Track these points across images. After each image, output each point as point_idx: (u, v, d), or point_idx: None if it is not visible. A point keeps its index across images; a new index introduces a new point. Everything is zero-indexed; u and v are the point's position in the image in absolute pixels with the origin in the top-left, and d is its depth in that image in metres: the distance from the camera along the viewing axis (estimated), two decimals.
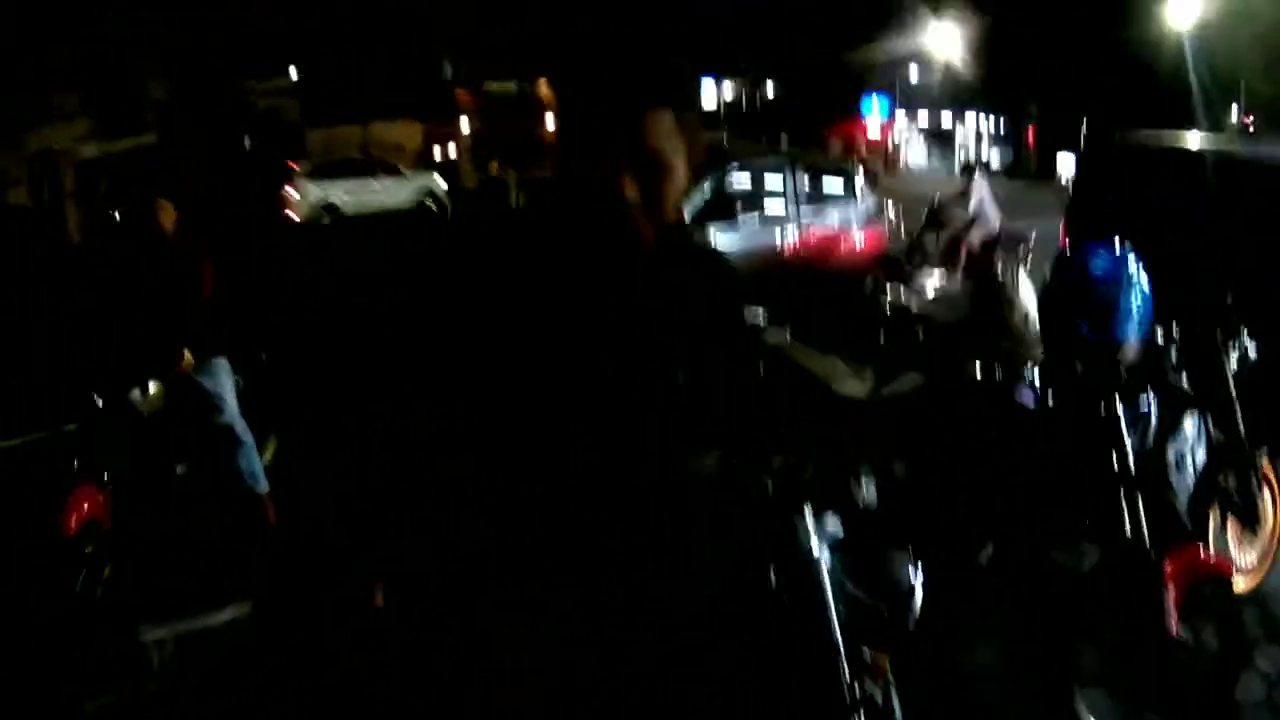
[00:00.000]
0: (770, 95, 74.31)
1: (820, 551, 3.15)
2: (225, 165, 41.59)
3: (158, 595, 7.07)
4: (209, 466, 8.02)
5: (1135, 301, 5.32)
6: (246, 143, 52.00)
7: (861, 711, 3.13)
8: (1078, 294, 5.40)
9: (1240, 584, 5.48)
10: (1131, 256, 5.46)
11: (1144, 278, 5.41)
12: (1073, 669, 4.96)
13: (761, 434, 3.23)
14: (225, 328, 8.03)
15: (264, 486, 7.97)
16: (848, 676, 3.12)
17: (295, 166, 41.90)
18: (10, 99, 41.08)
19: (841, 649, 3.13)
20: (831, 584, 3.15)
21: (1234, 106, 47.10)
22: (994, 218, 11.82)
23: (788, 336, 6.75)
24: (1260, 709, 5.47)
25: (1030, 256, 9.46)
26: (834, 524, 3.21)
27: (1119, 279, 5.36)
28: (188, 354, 7.52)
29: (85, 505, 7.11)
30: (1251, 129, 44.41)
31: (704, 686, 3.09)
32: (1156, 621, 4.72)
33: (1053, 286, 5.67)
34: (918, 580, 3.26)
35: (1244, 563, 6.19)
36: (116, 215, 37.47)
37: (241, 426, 7.87)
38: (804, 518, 3.15)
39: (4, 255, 35.21)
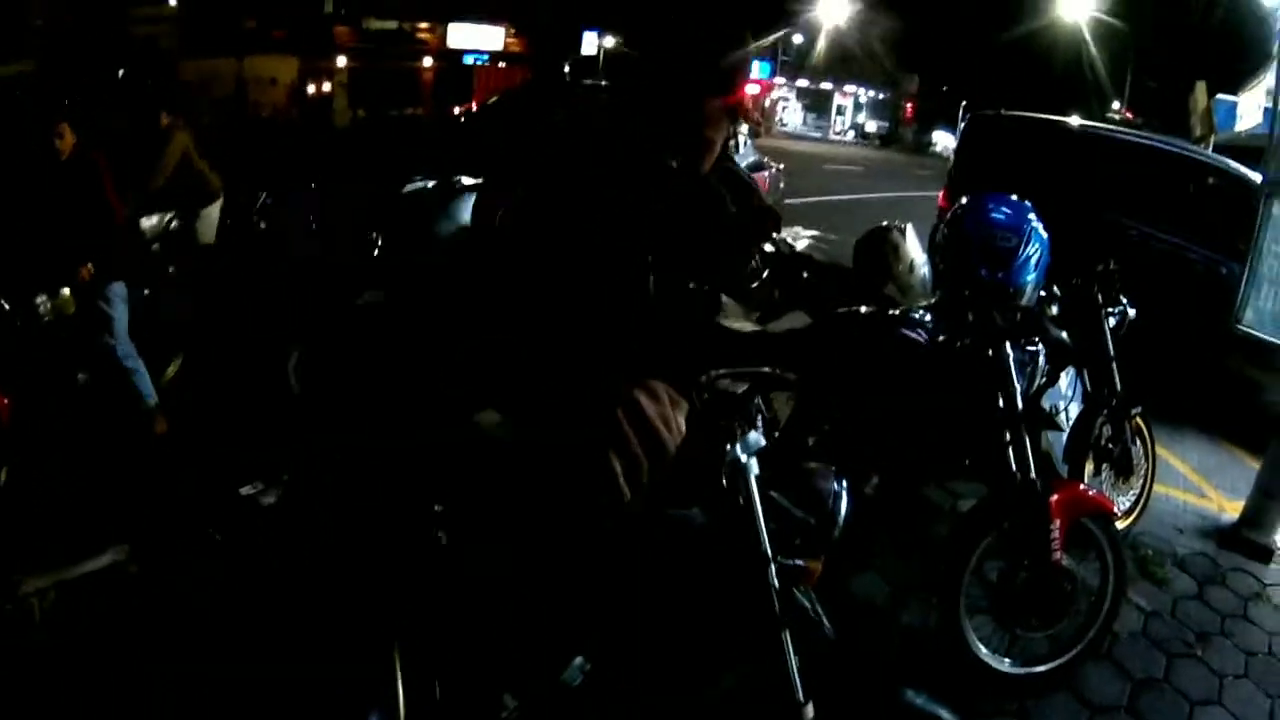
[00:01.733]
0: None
1: (749, 463, 3.23)
2: (99, 91, 40.55)
3: (51, 509, 7.10)
4: (106, 377, 8.21)
5: (1033, 250, 5.44)
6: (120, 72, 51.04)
7: (791, 619, 3.25)
8: (978, 238, 5.49)
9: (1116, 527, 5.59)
10: (1031, 209, 5.60)
11: (1042, 229, 5.53)
12: (959, 598, 5.03)
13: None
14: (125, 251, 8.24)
15: (151, 399, 8.23)
16: (777, 585, 3.22)
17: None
18: None
19: (771, 559, 3.23)
20: (760, 496, 3.23)
21: (1116, 100, 48.32)
22: None
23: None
24: (1137, 639, 5.77)
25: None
26: (757, 438, 3.26)
27: (1020, 227, 5.47)
28: (90, 267, 7.68)
29: None
30: (1131, 119, 45.73)
31: (641, 599, 3.36)
32: (1041, 553, 4.88)
33: (951, 230, 5.69)
34: (843, 494, 3.40)
35: (1117, 508, 6.39)
36: None
37: (126, 348, 8.11)
38: (735, 431, 3.25)
39: None
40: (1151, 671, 5.54)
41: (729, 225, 3.61)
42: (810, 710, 3.28)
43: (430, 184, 10.44)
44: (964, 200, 5.73)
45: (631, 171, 3.22)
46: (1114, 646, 5.60)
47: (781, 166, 15.30)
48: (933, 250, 6.05)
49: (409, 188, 10.44)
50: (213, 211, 10.65)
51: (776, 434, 3.37)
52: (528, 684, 3.56)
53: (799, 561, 3.29)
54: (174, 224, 10.42)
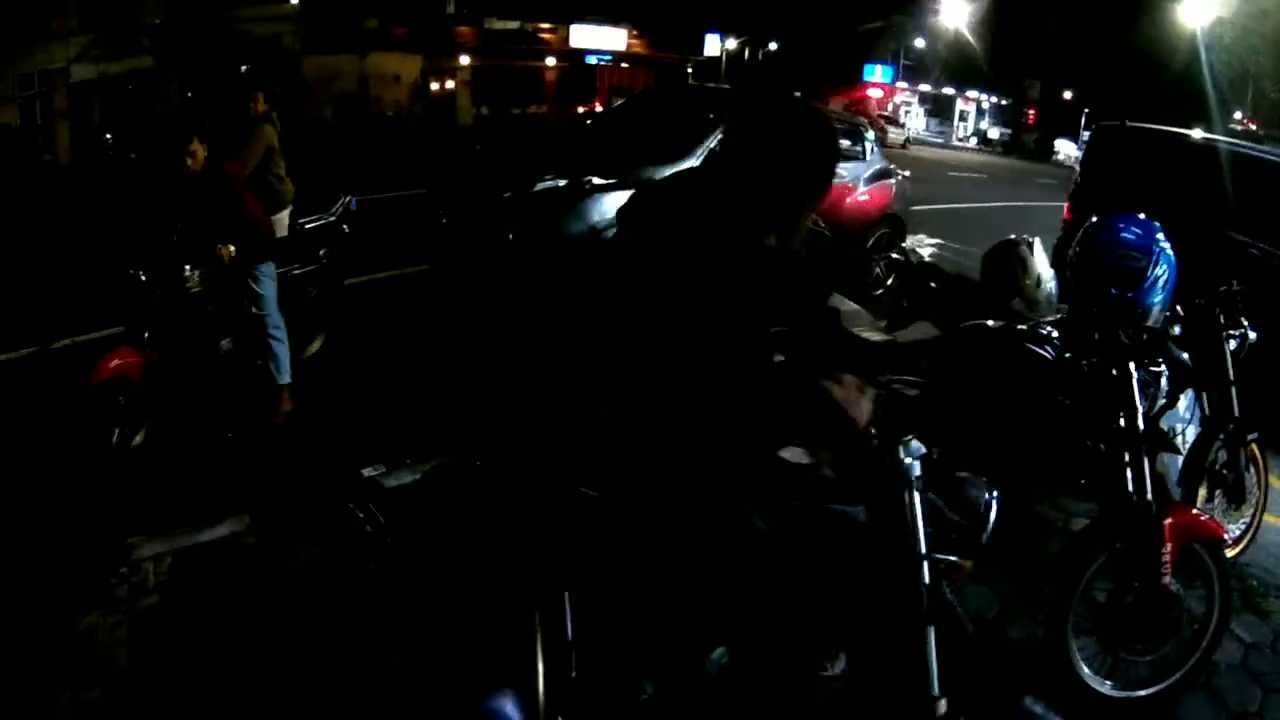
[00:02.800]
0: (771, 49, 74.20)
1: (911, 464, 3.47)
2: (217, 90, 41.31)
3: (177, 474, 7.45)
4: (247, 348, 8.58)
5: (1162, 271, 5.44)
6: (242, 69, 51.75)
7: (937, 614, 3.47)
8: (1108, 258, 5.48)
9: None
10: (1160, 229, 5.58)
11: (1171, 250, 5.52)
12: (1068, 617, 4.99)
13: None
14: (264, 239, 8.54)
15: (286, 378, 8.61)
16: (927, 581, 3.45)
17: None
18: (5, 20, 41.10)
19: (925, 556, 3.47)
20: (919, 498, 3.49)
21: (1238, 109, 47.38)
22: None
23: None
24: (1236, 671, 5.62)
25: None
26: (919, 446, 3.52)
27: (1149, 248, 5.48)
28: (230, 248, 8.01)
29: (117, 361, 7.59)
30: (1256, 129, 44.49)
31: (790, 591, 3.61)
32: (1151, 576, 4.83)
33: (1082, 249, 5.67)
34: (994, 503, 3.62)
35: (1227, 536, 6.17)
36: (109, 137, 37.58)
37: (276, 319, 8.55)
38: (901, 435, 3.50)
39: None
40: (1247, 705, 5.42)
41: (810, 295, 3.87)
42: (944, 705, 3.46)
43: (561, 183, 10.54)
44: (1094, 219, 5.72)
45: (737, 246, 3.37)
46: (1213, 677, 5.50)
47: (907, 174, 15.25)
48: (1061, 266, 6.03)
49: (540, 186, 10.55)
50: (283, 218, 10.90)
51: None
52: (667, 670, 3.74)
53: (953, 558, 3.49)
54: None
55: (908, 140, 63.16)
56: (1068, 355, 5.29)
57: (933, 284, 6.81)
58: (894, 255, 12.69)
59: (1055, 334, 5.41)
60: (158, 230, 8.19)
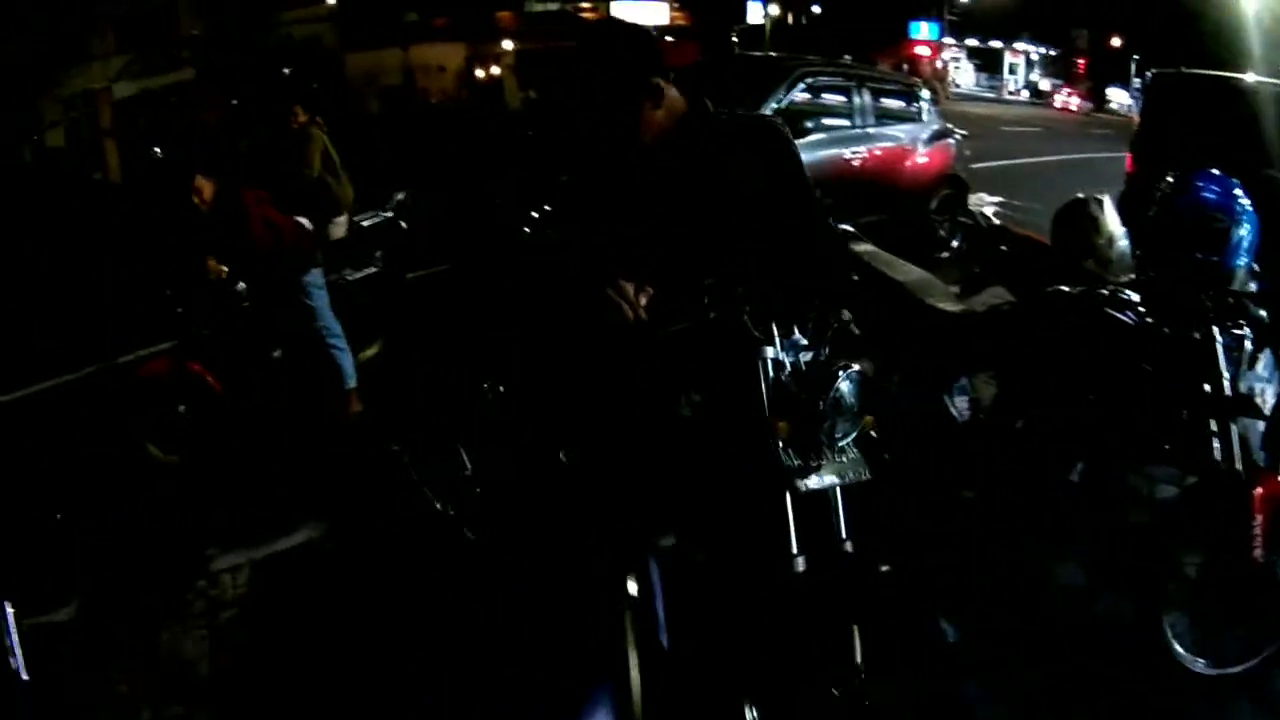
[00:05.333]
0: (815, 13, 73.93)
1: (770, 355, 3.94)
2: (263, 97, 41.68)
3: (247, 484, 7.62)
4: (301, 355, 8.84)
5: (1245, 232, 5.27)
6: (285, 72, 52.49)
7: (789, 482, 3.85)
8: (1190, 220, 5.32)
9: None
10: (1239, 185, 5.41)
11: (1251, 209, 5.35)
12: (1158, 592, 4.94)
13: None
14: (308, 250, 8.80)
15: (351, 382, 8.89)
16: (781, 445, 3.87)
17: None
18: (46, 42, 42.01)
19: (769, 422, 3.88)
20: (772, 374, 3.94)
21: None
22: None
23: (872, 246, 6.73)
24: None
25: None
26: (791, 348, 4.00)
27: (1230, 208, 5.30)
28: (223, 268, 8.38)
29: (175, 363, 8.13)
30: None
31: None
32: (1242, 548, 4.73)
33: (1161, 211, 5.51)
34: (847, 381, 3.88)
35: None
36: (158, 150, 38.24)
37: (333, 326, 8.80)
38: (768, 332, 3.96)
39: (45, 194, 35.85)
40: None
41: None
42: (801, 562, 3.80)
43: None
44: (1171, 179, 5.61)
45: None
46: None
47: (964, 134, 15.23)
48: (1130, 221, 5.96)
49: None
50: (342, 221, 10.95)
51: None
52: (770, 696, 3.77)
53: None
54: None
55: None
56: (1149, 321, 5.21)
57: (1003, 247, 6.83)
58: (962, 218, 12.67)
59: (1136, 298, 5.31)
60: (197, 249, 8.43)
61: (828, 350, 4.04)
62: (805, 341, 4.04)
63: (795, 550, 3.79)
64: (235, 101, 50.46)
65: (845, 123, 12.55)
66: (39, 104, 48.81)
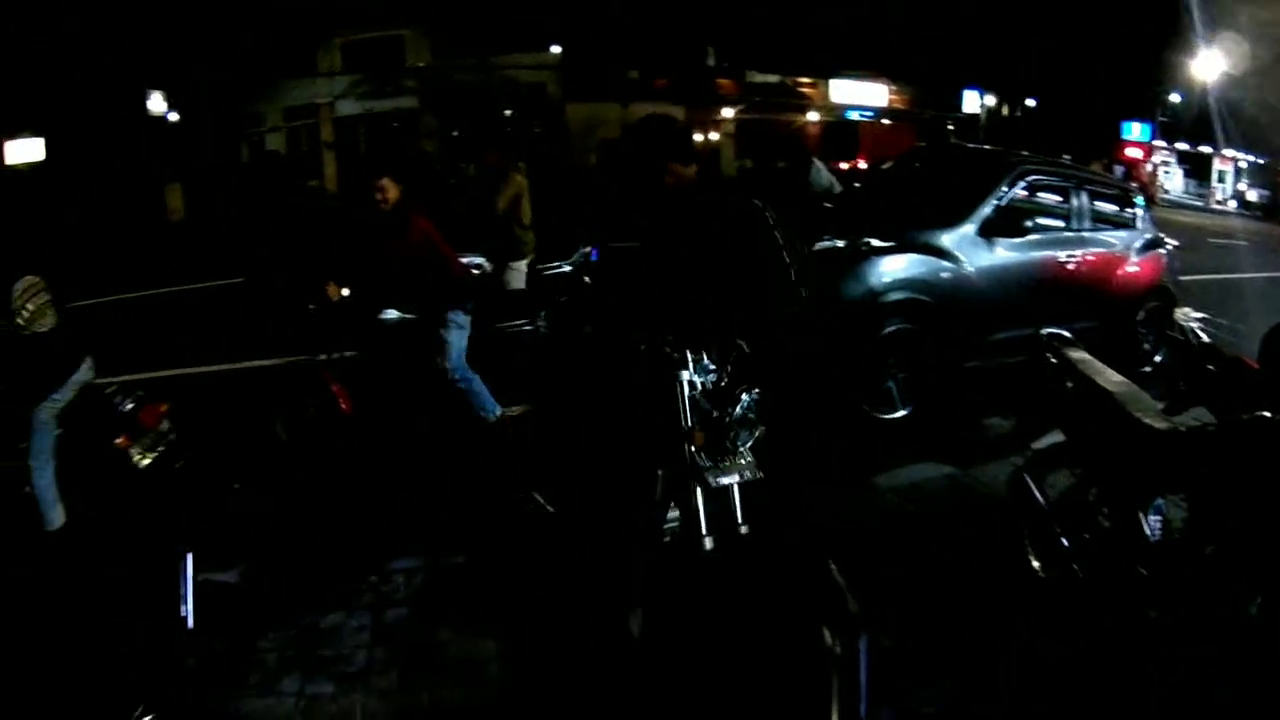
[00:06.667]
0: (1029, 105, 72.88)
1: (685, 377, 5.48)
2: (484, 134, 42.88)
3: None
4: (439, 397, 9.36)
5: None
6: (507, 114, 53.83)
7: (699, 476, 5.32)
8: None
9: None
10: None
11: None
12: None
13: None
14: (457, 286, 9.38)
15: (494, 413, 9.46)
16: (692, 449, 5.37)
17: None
18: (273, 57, 44.14)
19: (688, 431, 5.41)
20: (690, 396, 5.48)
21: None
22: None
23: (1084, 353, 6.89)
24: None
25: None
26: (703, 370, 5.52)
27: None
28: (341, 290, 8.98)
29: (311, 370, 9.05)
30: None
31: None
32: None
33: None
34: (745, 400, 5.31)
35: None
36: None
37: (462, 371, 9.29)
38: (684, 360, 5.50)
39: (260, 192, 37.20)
40: None
41: None
42: (710, 542, 5.19)
43: (840, 244, 10.70)
44: None
45: None
46: None
47: (1176, 244, 15.17)
48: None
49: (819, 245, 10.65)
50: (521, 266, 11.58)
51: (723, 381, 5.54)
52: None
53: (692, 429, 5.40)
54: (484, 269, 11.55)
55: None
56: None
57: (1210, 366, 6.72)
58: (1170, 333, 12.47)
59: None
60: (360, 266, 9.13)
61: (729, 371, 5.47)
62: (713, 366, 5.52)
63: (705, 532, 5.21)
64: (455, 134, 52.25)
65: (1061, 224, 12.44)
66: (261, 109, 51.37)
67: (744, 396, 5.26)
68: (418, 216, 8.98)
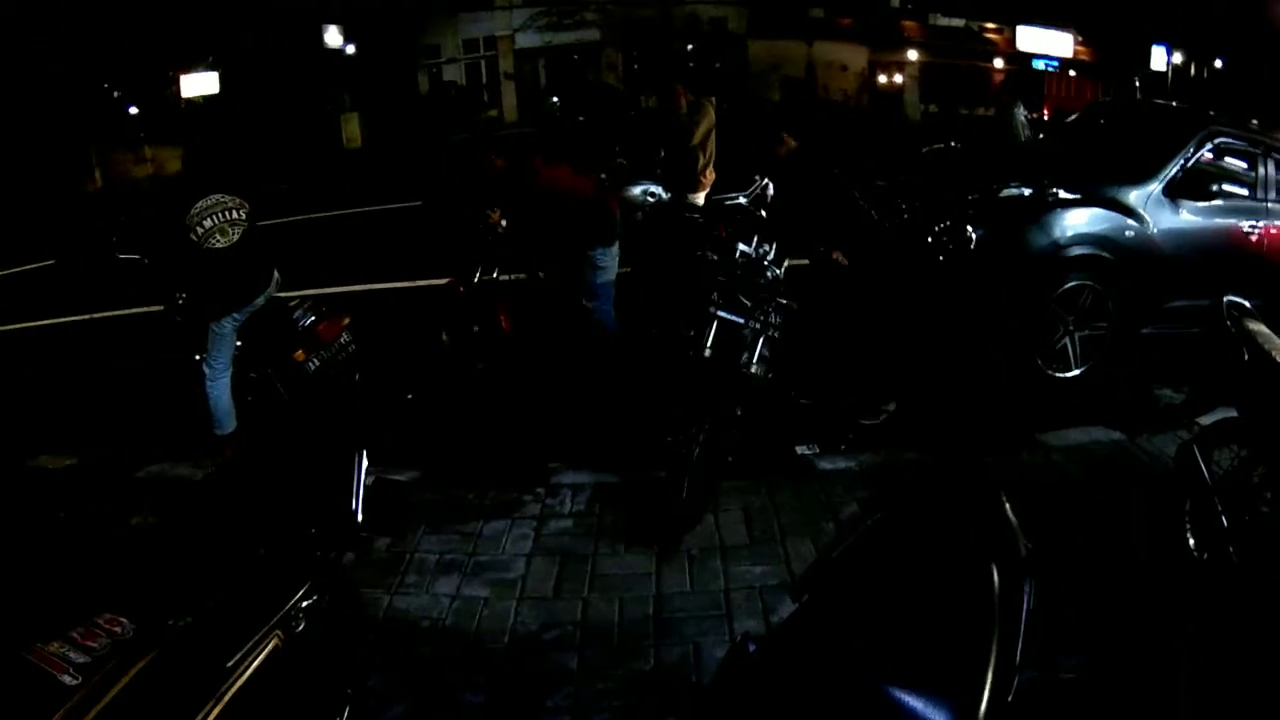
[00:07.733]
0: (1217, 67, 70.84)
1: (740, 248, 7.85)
2: (666, 69, 43.12)
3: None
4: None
5: None
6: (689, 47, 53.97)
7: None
8: None
9: None
10: None
11: None
12: None
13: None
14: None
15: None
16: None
17: None
18: None
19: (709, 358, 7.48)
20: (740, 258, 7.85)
21: None
22: None
23: (1264, 327, 6.68)
24: None
25: None
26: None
27: None
28: (500, 217, 9.76)
29: (474, 291, 9.69)
30: None
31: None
32: None
33: None
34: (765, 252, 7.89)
35: None
36: (555, 100, 40.38)
37: (601, 308, 9.74)
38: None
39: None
40: None
41: None
42: (708, 351, 7.42)
43: (1026, 191, 10.78)
44: None
45: None
46: None
47: None
48: None
49: (1005, 192, 10.79)
50: (698, 198, 12.10)
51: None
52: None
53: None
54: (660, 198, 12.11)
55: None
56: None
57: None
58: None
59: None
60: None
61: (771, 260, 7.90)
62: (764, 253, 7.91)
63: (709, 345, 7.40)
64: (635, 68, 52.61)
65: (1245, 192, 11.86)
66: (440, 42, 52.17)
67: (765, 249, 7.94)
68: (539, 160, 9.56)
